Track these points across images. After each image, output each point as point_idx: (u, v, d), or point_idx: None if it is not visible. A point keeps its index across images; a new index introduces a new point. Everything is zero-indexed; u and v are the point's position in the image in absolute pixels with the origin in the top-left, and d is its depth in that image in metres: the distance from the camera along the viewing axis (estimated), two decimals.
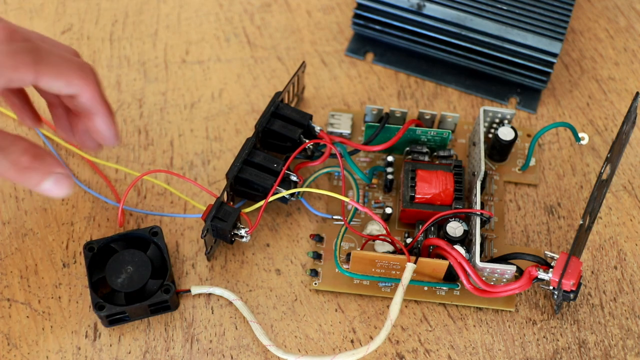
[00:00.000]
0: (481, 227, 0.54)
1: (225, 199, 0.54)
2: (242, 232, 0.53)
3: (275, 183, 0.53)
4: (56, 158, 0.46)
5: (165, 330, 0.53)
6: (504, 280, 0.52)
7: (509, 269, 0.51)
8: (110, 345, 0.52)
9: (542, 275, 0.50)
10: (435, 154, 0.58)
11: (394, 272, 0.53)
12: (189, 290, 0.54)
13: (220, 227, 0.52)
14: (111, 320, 0.52)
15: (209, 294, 0.54)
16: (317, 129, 0.57)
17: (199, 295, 0.54)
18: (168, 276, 0.52)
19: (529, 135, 0.62)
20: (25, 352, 0.52)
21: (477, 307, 0.54)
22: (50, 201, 0.57)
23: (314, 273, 0.55)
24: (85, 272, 0.54)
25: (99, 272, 0.53)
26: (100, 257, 0.53)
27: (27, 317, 0.53)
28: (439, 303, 0.55)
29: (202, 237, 0.52)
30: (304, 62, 0.59)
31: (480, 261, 0.50)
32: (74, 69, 0.46)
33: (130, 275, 0.52)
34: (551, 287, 0.50)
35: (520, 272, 0.52)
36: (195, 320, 0.53)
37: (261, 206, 0.53)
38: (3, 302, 0.53)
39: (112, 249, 0.53)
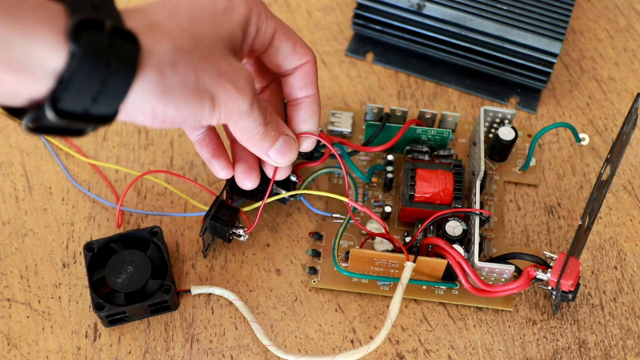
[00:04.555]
0: (480, 227, 0.54)
1: (225, 198, 0.54)
2: (241, 231, 0.53)
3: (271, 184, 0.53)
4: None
5: (165, 330, 0.53)
6: (503, 280, 0.52)
7: (508, 269, 0.51)
8: (110, 345, 0.52)
9: (540, 275, 0.50)
10: (435, 153, 0.58)
11: (392, 271, 0.53)
12: (189, 290, 0.54)
13: (219, 225, 0.52)
14: (111, 320, 0.52)
15: (209, 294, 0.54)
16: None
17: (199, 295, 0.54)
18: (168, 276, 0.52)
19: (529, 135, 0.62)
20: (25, 352, 0.52)
21: (477, 307, 0.54)
22: (50, 201, 0.57)
23: (313, 271, 0.55)
24: (85, 272, 0.54)
25: (99, 272, 0.53)
26: (100, 257, 0.53)
27: (27, 317, 0.53)
28: (439, 303, 0.55)
29: (200, 235, 0.52)
30: None
31: (479, 261, 0.51)
32: (299, 39, 0.48)
33: (130, 275, 0.52)
34: (550, 288, 0.50)
35: (519, 272, 0.52)
36: (195, 320, 0.53)
37: (260, 205, 0.53)
38: (3, 302, 0.54)
39: (112, 249, 0.54)
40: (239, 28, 0.44)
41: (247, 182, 0.50)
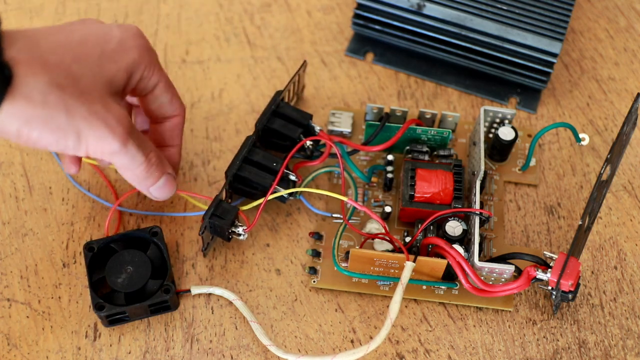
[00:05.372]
0: (480, 227, 0.54)
1: (224, 197, 0.54)
2: (240, 230, 0.53)
3: (274, 182, 0.53)
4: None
5: (165, 330, 0.53)
6: (503, 280, 0.52)
7: (508, 269, 0.51)
8: (110, 345, 0.52)
9: (540, 275, 0.50)
10: (435, 153, 0.58)
11: (392, 271, 0.53)
12: (189, 290, 0.54)
13: (219, 224, 0.52)
14: (111, 320, 0.52)
15: (209, 294, 0.54)
16: (317, 128, 0.57)
17: (199, 295, 0.54)
18: (168, 276, 0.52)
19: (529, 135, 0.62)
20: (25, 352, 0.52)
21: (477, 307, 0.54)
22: (50, 201, 0.57)
23: (313, 271, 0.55)
24: (85, 272, 0.54)
25: (99, 272, 0.53)
26: (100, 257, 0.53)
27: (27, 317, 0.53)
28: (439, 303, 0.55)
29: (200, 234, 0.52)
30: (305, 61, 0.59)
31: (479, 261, 0.50)
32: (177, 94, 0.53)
33: (130, 275, 0.52)
34: (550, 288, 0.50)
35: (519, 272, 0.52)
36: (195, 320, 0.53)
37: (260, 204, 0.53)
38: (3, 302, 0.54)
39: (112, 249, 0.54)
40: (124, 71, 0.47)
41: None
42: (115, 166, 0.47)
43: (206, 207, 0.53)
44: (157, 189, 0.50)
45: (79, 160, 0.53)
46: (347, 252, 0.54)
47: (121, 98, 0.49)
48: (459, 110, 0.63)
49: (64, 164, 0.54)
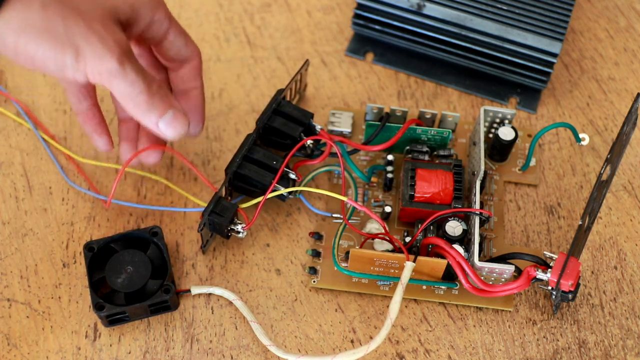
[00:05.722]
0: (480, 227, 0.54)
1: (224, 194, 0.54)
2: (239, 227, 0.53)
3: (274, 180, 0.53)
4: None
5: (165, 330, 0.53)
6: (503, 280, 0.52)
7: (508, 269, 0.51)
8: (110, 345, 0.52)
9: (540, 275, 0.50)
10: (435, 153, 0.58)
11: (392, 271, 0.53)
12: (189, 290, 0.54)
13: (218, 221, 0.52)
14: (111, 320, 0.52)
15: (209, 294, 0.54)
16: (318, 127, 0.57)
17: (199, 295, 0.54)
18: (168, 276, 0.52)
19: (529, 135, 0.62)
20: (25, 352, 0.52)
21: (477, 307, 0.54)
22: (50, 201, 0.57)
23: (313, 271, 0.55)
24: (85, 272, 0.54)
25: (99, 272, 0.53)
26: (100, 257, 0.53)
27: (27, 317, 0.53)
28: (439, 303, 0.55)
29: (198, 231, 0.52)
30: (307, 60, 0.59)
31: (479, 261, 0.50)
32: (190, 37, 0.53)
33: (130, 275, 0.52)
34: (550, 288, 0.50)
35: (519, 272, 0.52)
36: (195, 320, 0.53)
37: (259, 202, 0.53)
38: (3, 302, 0.54)
39: (112, 249, 0.54)
40: (129, 6, 0.46)
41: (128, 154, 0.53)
42: (116, 96, 0.46)
43: (206, 205, 0.53)
44: (166, 125, 0.48)
45: (104, 126, 0.53)
46: (347, 252, 0.54)
47: (128, 37, 0.47)
48: (459, 110, 0.63)
49: (98, 143, 0.53)
